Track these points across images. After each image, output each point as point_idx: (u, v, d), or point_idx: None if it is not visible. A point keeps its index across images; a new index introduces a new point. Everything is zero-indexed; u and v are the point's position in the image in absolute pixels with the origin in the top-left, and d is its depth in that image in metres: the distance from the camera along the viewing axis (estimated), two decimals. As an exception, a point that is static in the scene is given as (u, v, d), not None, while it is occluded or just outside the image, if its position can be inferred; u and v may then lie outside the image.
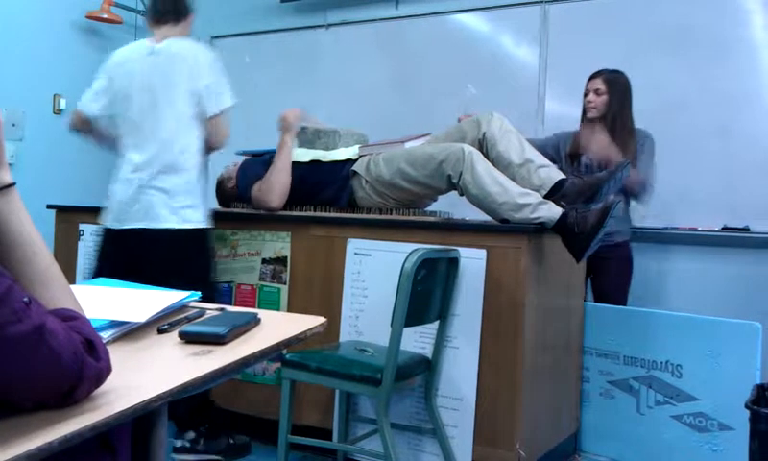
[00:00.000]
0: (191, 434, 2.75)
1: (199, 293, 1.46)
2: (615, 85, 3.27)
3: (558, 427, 2.95)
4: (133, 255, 2.63)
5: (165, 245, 2.64)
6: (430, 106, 4.15)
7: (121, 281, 1.56)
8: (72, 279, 1.62)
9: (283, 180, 3.00)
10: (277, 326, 1.33)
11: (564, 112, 3.88)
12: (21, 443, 0.78)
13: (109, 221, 2.73)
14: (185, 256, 2.66)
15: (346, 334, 2.81)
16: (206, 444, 2.77)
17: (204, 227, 2.77)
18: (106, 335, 1.17)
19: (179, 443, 2.75)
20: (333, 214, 2.98)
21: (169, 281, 1.58)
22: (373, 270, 2.77)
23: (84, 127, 2.88)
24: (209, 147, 2.78)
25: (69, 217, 3.55)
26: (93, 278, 2.59)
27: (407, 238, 2.69)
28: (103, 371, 0.93)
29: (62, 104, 4.64)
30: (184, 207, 2.68)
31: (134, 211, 2.66)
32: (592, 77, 3.33)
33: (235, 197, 3.25)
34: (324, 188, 3.03)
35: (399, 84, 4.37)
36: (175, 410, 2.72)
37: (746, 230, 3.39)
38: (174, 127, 2.69)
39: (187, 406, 2.73)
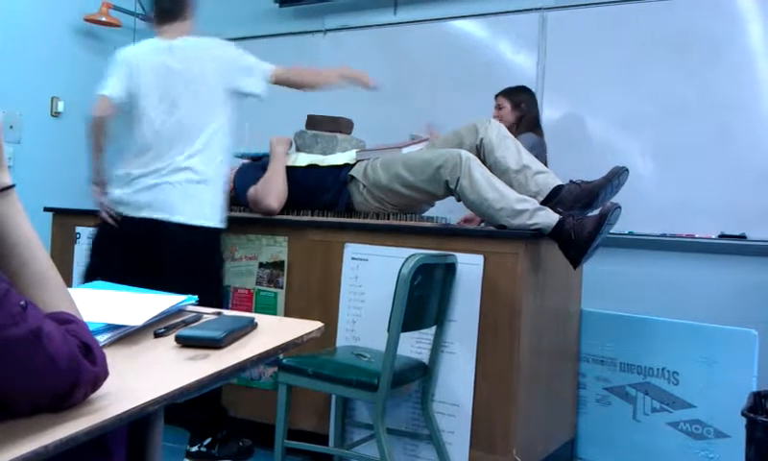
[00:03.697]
0: (208, 440, 2.78)
1: (196, 297, 1.46)
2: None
3: (554, 434, 2.95)
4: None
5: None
6: (428, 111, 4.15)
7: (118, 284, 1.56)
8: (68, 282, 1.62)
9: (280, 182, 3.01)
10: (274, 330, 1.33)
11: (561, 119, 3.90)
12: (16, 446, 0.77)
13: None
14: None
15: (342, 339, 2.81)
16: (221, 449, 2.79)
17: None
18: (102, 339, 1.17)
19: (194, 448, 2.78)
20: (330, 219, 2.98)
21: None
22: (371, 275, 2.77)
23: (108, 115, 2.76)
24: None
25: (66, 220, 3.54)
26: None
27: (404, 243, 2.69)
28: (99, 375, 0.92)
29: (60, 106, 4.65)
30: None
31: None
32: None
33: (233, 201, 3.25)
34: (321, 193, 3.03)
35: (397, 90, 4.36)
36: (190, 417, 2.78)
37: (743, 237, 3.39)
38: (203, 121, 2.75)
39: (205, 415, 2.76)
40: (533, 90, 3.68)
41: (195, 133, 2.73)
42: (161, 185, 2.68)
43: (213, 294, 2.74)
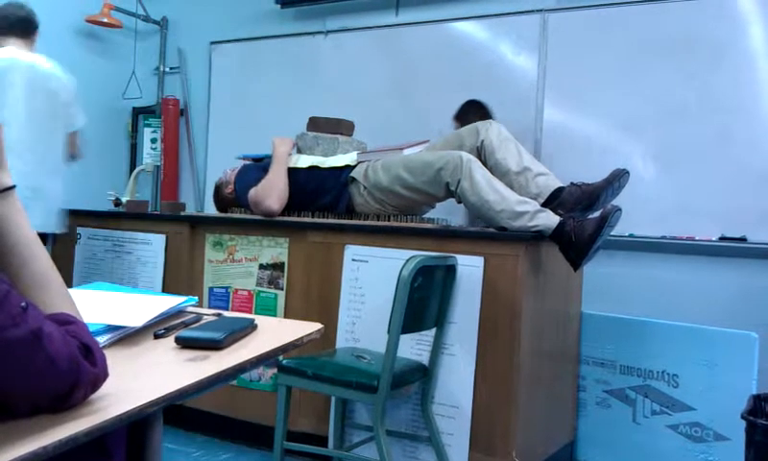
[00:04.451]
0: None
1: (196, 298, 1.46)
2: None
3: (554, 436, 2.95)
4: None
5: None
6: (429, 113, 4.15)
7: (118, 286, 1.56)
8: (69, 283, 1.62)
9: (281, 184, 3.01)
10: (274, 331, 1.33)
11: (562, 121, 3.89)
12: (16, 447, 0.78)
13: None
14: None
15: (342, 341, 2.81)
16: None
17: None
18: (102, 340, 1.17)
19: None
20: (331, 220, 2.98)
21: None
22: (371, 276, 2.77)
23: None
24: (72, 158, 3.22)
25: (67, 221, 3.54)
26: None
27: (404, 245, 2.69)
28: (99, 376, 0.92)
29: (61, 107, 4.64)
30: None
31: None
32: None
33: (233, 202, 3.25)
34: (322, 194, 3.03)
35: (398, 91, 4.37)
36: None
37: (743, 239, 3.39)
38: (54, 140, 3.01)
39: None
40: (483, 102, 3.69)
41: (53, 150, 2.99)
42: (35, 197, 2.85)
43: None
